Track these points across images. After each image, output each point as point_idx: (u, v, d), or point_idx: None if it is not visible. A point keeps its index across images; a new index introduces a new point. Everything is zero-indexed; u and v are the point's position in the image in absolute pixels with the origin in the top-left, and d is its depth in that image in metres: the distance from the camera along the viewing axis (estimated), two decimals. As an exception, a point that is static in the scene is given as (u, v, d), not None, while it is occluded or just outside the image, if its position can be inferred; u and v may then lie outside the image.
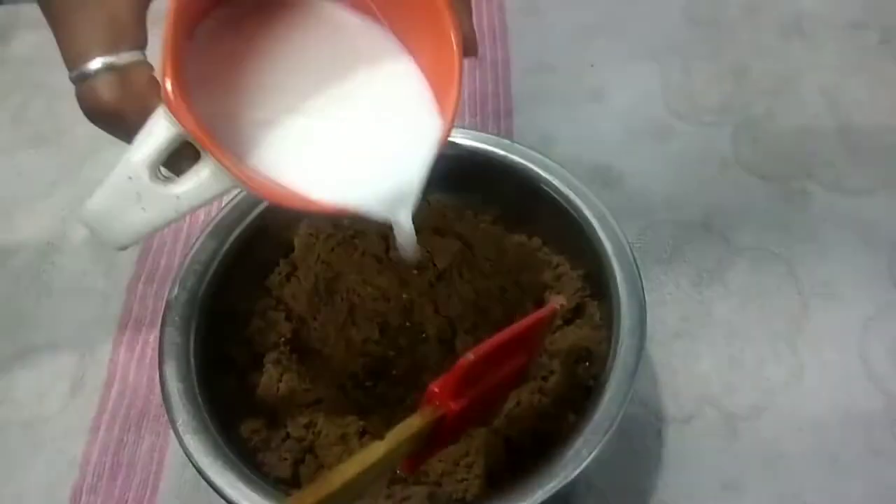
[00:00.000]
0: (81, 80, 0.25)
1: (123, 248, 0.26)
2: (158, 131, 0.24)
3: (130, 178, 0.25)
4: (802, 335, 0.47)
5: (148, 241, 0.53)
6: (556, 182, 0.42)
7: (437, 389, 0.30)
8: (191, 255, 0.41)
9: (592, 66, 0.62)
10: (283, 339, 0.43)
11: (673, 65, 0.62)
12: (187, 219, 0.53)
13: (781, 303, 0.48)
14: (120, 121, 0.25)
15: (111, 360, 0.48)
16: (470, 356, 0.30)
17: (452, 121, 0.28)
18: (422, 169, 0.28)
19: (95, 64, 0.24)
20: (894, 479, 0.42)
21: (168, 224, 0.25)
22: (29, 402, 0.47)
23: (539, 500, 0.31)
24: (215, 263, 0.41)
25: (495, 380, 0.32)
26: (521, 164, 0.43)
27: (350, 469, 0.27)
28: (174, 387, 0.36)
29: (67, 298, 0.51)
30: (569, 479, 0.32)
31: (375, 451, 0.28)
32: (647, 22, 0.65)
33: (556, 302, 0.38)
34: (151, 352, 0.48)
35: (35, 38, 0.66)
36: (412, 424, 0.29)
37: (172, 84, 0.23)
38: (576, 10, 0.65)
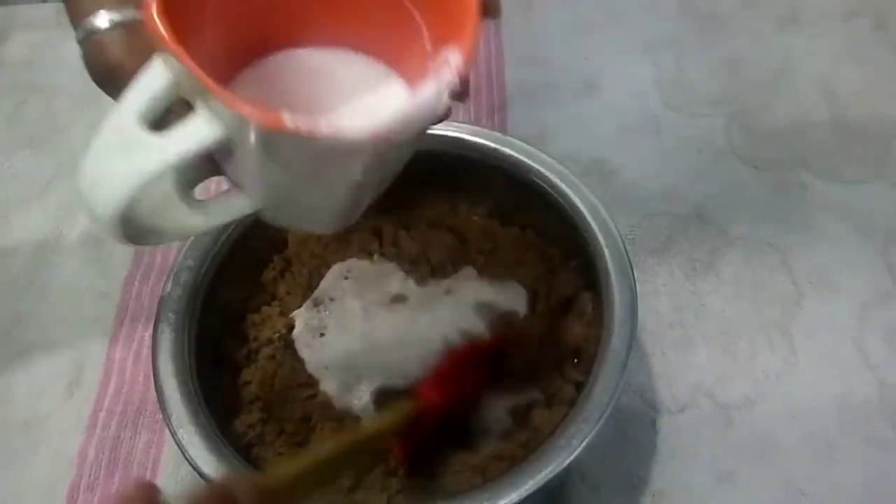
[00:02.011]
0: (88, 38, 0.25)
1: (115, 222, 0.24)
2: (150, 78, 0.24)
3: (118, 127, 0.24)
4: (797, 324, 0.47)
5: (143, 240, 0.53)
6: (548, 175, 0.42)
7: (420, 385, 0.36)
8: (185, 251, 0.41)
9: (586, 59, 0.62)
10: (277, 334, 0.43)
11: (667, 57, 0.61)
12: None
13: (776, 292, 0.48)
14: (124, 78, 0.24)
15: (107, 358, 0.48)
16: (446, 357, 0.37)
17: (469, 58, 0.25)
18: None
19: (102, 21, 0.25)
20: (890, 467, 0.42)
21: (155, 178, 0.23)
22: (26, 401, 0.47)
23: (530, 490, 0.31)
24: (209, 259, 0.41)
25: (466, 383, 0.38)
26: (514, 157, 0.43)
27: (326, 447, 0.29)
28: (168, 383, 0.36)
29: (64, 297, 0.51)
30: (559, 468, 0.32)
31: (354, 433, 0.31)
32: (640, 14, 0.64)
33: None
34: (147, 349, 0.48)
35: (31, 40, 0.66)
36: (394, 409, 0.34)
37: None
38: (569, 3, 0.65)
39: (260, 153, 0.24)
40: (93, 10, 0.25)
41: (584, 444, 0.32)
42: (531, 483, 0.31)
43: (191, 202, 0.27)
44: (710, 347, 0.46)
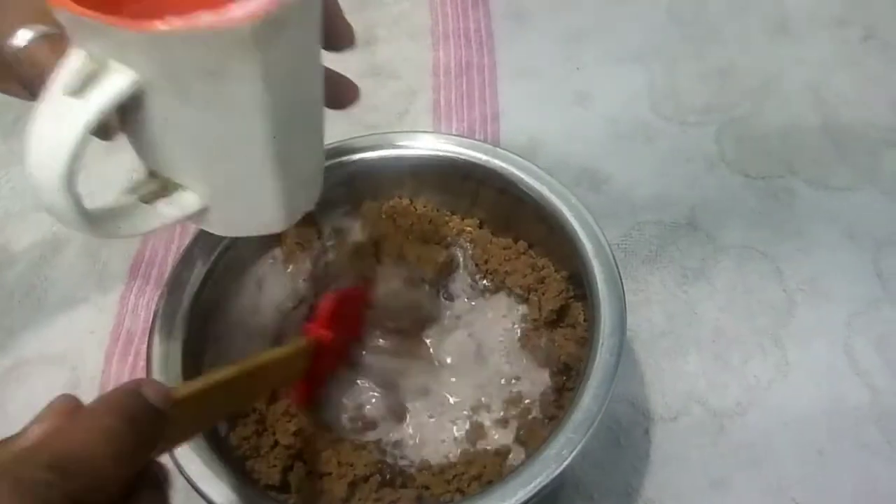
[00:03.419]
0: (16, 51, 0.29)
1: (61, 190, 0.26)
2: (68, 59, 0.26)
3: (48, 102, 0.26)
4: (788, 331, 0.47)
5: (139, 253, 0.53)
6: (537, 186, 0.42)
7: (311, 325, 0.39)
8: (179, 264, 0.41)
9: (578, 69, 0.62)
10: (271, 346, 0.43)
11: (658, 66, 0.62)
12: (178, 228, 0.54)
13: (767, 300, 0.49)
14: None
15: (104, 372, 0.48)
16: (330, 295, 0.40)
17: None
18: None
19: (26, 35, 0.29)
20: (881, 472, 0.43)
21: (84, 133, 0.26)
22: (22, 416, 0.46)
23: (521, 500, 0.32)
24: (203, 272, 0.41)
25: (347, 325, 0.41)
26: (504, 168, 0.43)
27: (225, 371, 0.31)
28: (163, 396, 0.37)
29: (60, 311, 0.51)
30: (550, 478, 0.32)
31: (251, 360, 0.33)
32: (632, 23, 0.65)
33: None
34: (143, 363, 0.48)
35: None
36: (289, 344, 0.38)
37: None
38: (561, 14, 0.66)
39: (162, 85, 0.26)
40: (16, 27, 0.29)
41: (574, 453, 0.32)
42: (522, 493, 0.32)
43: (140, 203, 0.30)
44: (702, 355, 0.47)
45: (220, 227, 0.33)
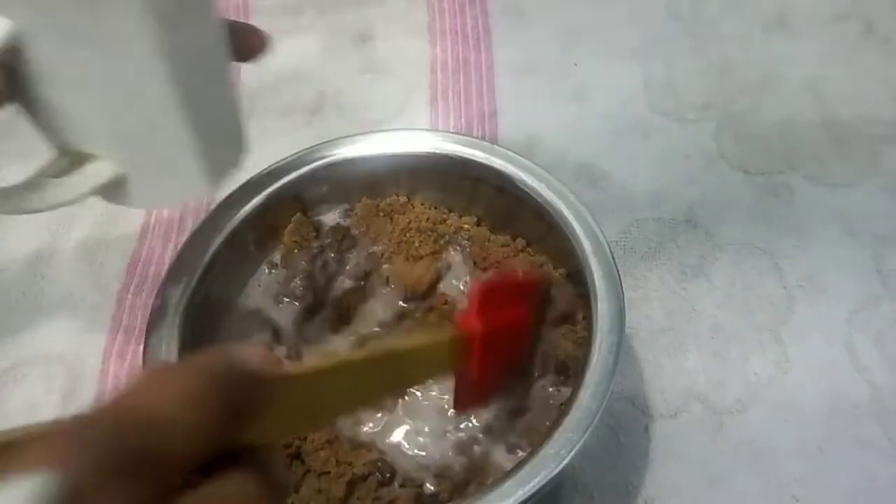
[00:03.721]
0: None
1: None
2: None
3: None
4: (787, 328, 0.47)
5: (136, 251, 0.53)
6: (535, 183, 0.42)
7: (460, 315, 0.33)
8: (174, 263, 0.41)
9: (576, 65, 0.62)
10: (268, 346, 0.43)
11: (656, 62, 0.62)
12: (175, 226, 0.54)
13: (766, 296, 0.49)
14: None
15: (102, 372, 0.48)
16: (481, 280, 0.34)
17: None
18: None
19: None
20: (881, 470, 0.42)
21: None
22: (20, 415, 0.47)
23: (520, 499, 0.31)
24: (201, 270, 0.41)
25: (508, 318, 0.35)
26: (502, 165, 0.43)
27: (354, 354, 0.26)
28: (160, 396, 0.36)
29: (57, 310, 0.51)
30: (549, 477, 0.32)
31: (379, 347, 0.28)
32: (629, 20, 0.65)
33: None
34: (141, 362, 0.48)
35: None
36: (428, 336, 0.31)
37: None
38: (558, 10, 0.66)
39: (41, 30, 0.25)
40: None
41: (574, 452, 0.32)
42: (521, 492, 0.32)
43: (48, 180, 0.29)
44: (702, 352, 0.47)
45: (143, 196, 0.31)
